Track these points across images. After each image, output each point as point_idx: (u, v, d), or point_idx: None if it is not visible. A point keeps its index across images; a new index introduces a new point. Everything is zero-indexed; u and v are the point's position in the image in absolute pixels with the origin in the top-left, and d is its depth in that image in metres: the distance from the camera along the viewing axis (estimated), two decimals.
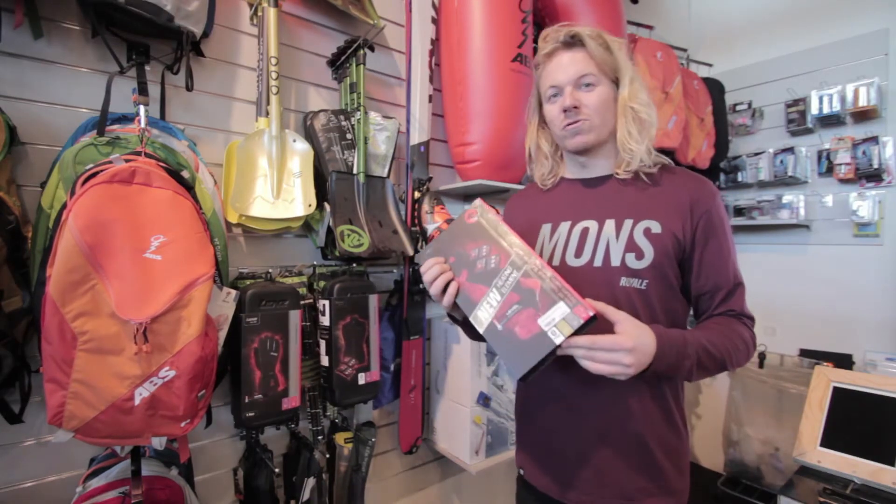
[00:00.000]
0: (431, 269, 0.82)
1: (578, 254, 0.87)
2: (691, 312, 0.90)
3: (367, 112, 1.46)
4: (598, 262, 0.84)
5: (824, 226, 2.42)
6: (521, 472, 1.00)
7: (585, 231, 0.88)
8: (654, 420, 0.84)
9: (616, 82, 0.87)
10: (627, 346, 0.69)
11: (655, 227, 0.82)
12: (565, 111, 0.86)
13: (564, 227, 0.90)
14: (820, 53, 2.43)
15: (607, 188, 0.90)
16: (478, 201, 0.84)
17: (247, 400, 1.16)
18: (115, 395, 0.84)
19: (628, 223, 0.84)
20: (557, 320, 0.70)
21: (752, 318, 0.85)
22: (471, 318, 0.79)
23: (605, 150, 0.91)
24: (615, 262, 0.83)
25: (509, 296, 0.75)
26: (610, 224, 0.86)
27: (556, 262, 0.88)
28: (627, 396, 0.84)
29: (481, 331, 0.77)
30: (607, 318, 0.72)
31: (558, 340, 0.69)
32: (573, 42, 0.86)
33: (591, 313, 0.68)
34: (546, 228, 0.93)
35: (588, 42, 0.84)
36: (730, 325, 0.82)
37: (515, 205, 1.07)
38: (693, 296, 0.86)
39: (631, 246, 0.83)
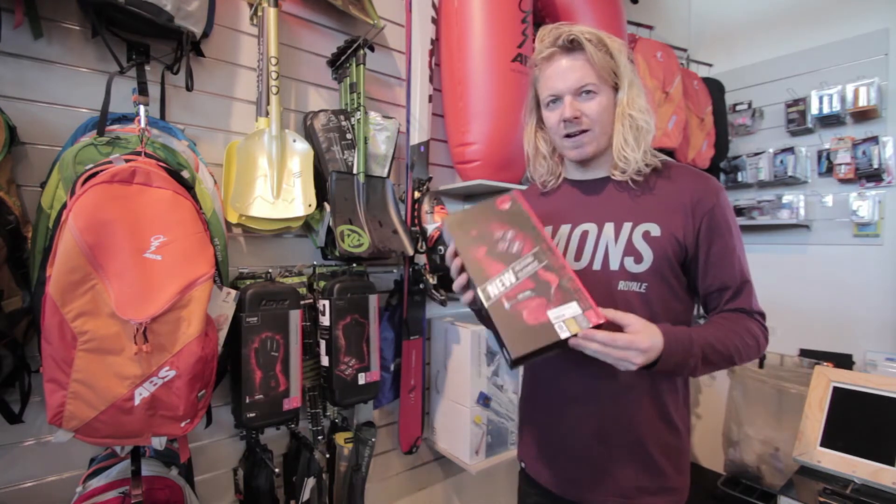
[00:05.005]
0: (455, 260, 0.82)
1: (578, 257, 0.87)
2: (696, 310, 0.90)
3: (367, 112, 1.45)
4: (597, 266, 0.84)
5: (824, 226, 2.42)
6: (523, 465, 1.01)
7: (585, 234, 0.88)
8: (651, 420, 0.84)
9: (615, 87, 0.85)
10: (643, 347, 0.70)
11: (655, 231, 0.82)
12: (565, 121, 0.84)
13: (565, 229, 0.90)
14: (820, 53, 2.43)
15: (608, 190, 0.89)
16: (514, 193, 0.84)
17: (248, 400, 1.15)
18: (115, 395, 0.84)
19: (627, 226, 0.84)
20: (567, 317, 0.70)
21: (762, 314, 0.85)
22: (478, 290, 0.76)
23: (605, 155, 0.90)
24: (614, 265, 0.83)
25: (524, 281, 0.74)
26: (609, 227, 0.85)
27: None
28: (626, 396, 0.84)
29: (487, 304, 0.75)
30: (617, 322, 0.72)
31: (563, 335, 0.69)
32: (572, 47, 0.83)
33: (602, 320, 0.69)
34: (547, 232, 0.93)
35: (588, 47, 0.81)
36: (738, 321, 0.82)
37: None
38: (701, 295, 0.86)
39: (630, 250, 0.82)
